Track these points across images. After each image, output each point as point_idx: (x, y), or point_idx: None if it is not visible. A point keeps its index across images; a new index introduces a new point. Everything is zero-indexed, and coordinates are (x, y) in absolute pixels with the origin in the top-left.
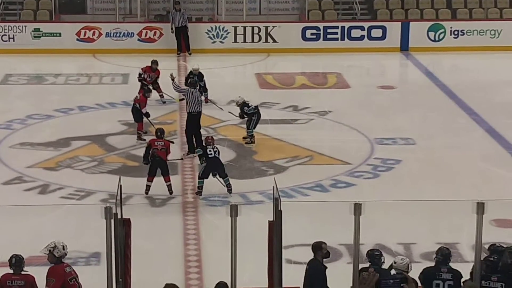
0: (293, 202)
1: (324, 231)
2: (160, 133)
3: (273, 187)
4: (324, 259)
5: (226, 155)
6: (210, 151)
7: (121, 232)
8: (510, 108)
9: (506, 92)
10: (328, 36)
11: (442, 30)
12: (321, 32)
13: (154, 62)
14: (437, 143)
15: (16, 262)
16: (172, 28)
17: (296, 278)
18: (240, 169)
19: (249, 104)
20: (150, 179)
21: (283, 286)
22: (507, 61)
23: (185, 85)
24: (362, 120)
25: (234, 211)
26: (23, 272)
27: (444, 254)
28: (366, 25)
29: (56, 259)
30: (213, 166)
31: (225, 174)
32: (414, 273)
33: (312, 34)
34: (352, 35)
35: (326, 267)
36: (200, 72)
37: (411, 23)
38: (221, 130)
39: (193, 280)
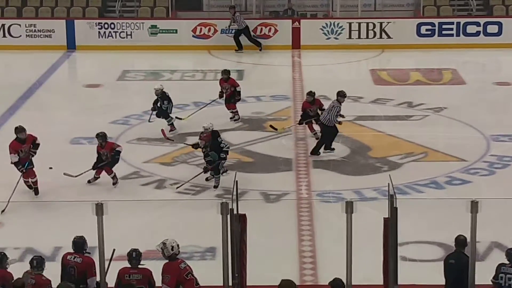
0: (408, 199)
1: (439, 228)
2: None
3: (388, 184)
4: None
5: (340, 151)
6: (222, 144)
7: (237, 228)
8: None
9: None
10: (443, 32)
11: None
12: (436, 28)
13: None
14: None
15: (136, 256)
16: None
17: (411, 275)
18: (355, 165)
19: (222, 141)
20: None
21: (399, 283)
22: None
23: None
24: (478, 117)
25: (349, 207)
26: (140, 266)
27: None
28: (481, 21)
29: (168, 257)
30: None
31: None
32: None
33: (427, 30)
34: (468, 31)
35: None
36: (163, 92)
37: None
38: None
39: (307, 276)
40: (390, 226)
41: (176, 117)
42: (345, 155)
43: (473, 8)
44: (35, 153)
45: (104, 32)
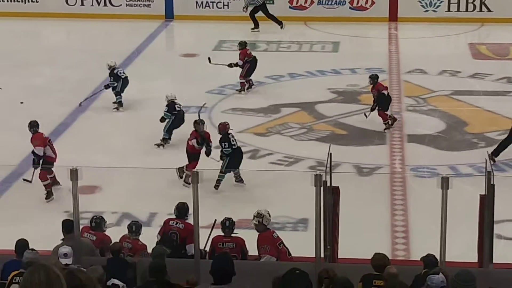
0: (506, 176)
1: None
2: None
3: (486, 160)
4: None
5: (436, 126)
6: (233, 141)
7: (330, 200)
8: None
9: None
10: None
11: None
12: None
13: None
14: None
15: (229, 225)
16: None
17: (506, 254)
18: (451, 140)
19: (231, 140)
20: None
21: (493, 261)
22: None
23: None
24: None
25: (445, 183)
26: (233, 235)
27: None
28: None
29: (264, 227)
30: (239, 157)
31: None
32: None
33: None
34: None
35: None
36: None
37: None
38: (432, 100)
39: (399, 251)
40: (487, 203)
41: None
42: (441, 130)
43: None
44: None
45: (202, 2)
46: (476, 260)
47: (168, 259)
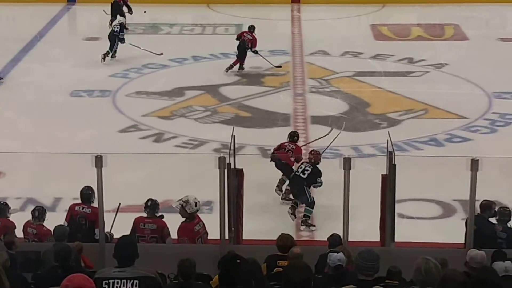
0: (406, 156)
1: (438, 186)
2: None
3: (387, 140)
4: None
5: (339, 107)
6: (301, 167)
7: (234, 182)
8: None
9: None
10: None
11: None
12: None
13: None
14: None
15: (151, 205)
16: None
17: (408, 233)
18: (353, 121)
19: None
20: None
21: (395, 240)
22: None
23: None
24: (480, 73)
25: (347, 164)
26: (157, 216)
27: None
28: None
29: (187, 215)
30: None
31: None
32: None
33: None
34: None
35: (495, 225)
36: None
37: None
38: (335, 81)
39: (304, 232)
40: (388, 183)
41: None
42: (343, 111)
43: None
44: None
45: None
46: (378, 239)
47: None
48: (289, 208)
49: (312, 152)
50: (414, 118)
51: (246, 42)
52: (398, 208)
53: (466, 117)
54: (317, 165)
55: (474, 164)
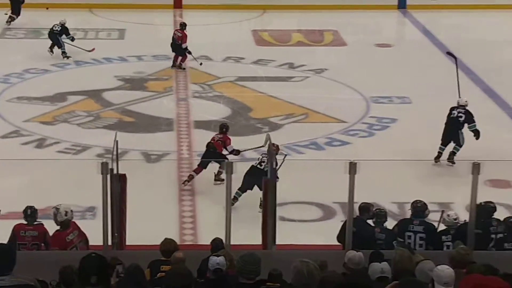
0: (287, 160)
1: (318, 189)
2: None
3: (268, 144)
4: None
5: (222, 112)
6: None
7: (116, 187)
8: (508, 67)
9: (504, 51)
10: None
11: None
12: None
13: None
14: (433, 102)
15: (31, 213)
16: None
17: (289, 235)
18: (236, 126)
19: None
20: (197, 170)
21: (277, 243)
22: (505, 19)
23: None
24: (358, 78)
25: (229, 168)
26: (36, 223)
27: (415, 208)
28: None
29: (60, 223)
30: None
31: None
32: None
33: None
34: None
35: (374, 227)
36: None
37: None
38: (217, 86)
39: (187, 236)
40: (270, 186)
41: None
42: (226, 115)
43: None
44: None
45: None
46: (260, 243)
47: None
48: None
49: (274, 145)
50: (295, 122)
51: (175, 39)
52: (280, 211)
53: (345, 121)
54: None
55: (352, 167)
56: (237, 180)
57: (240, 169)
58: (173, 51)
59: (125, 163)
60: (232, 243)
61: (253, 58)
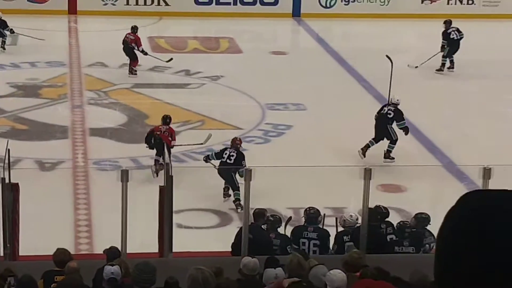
0: (184, 167)
1: (214, 196)
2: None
3: (164, 152)
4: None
5: (117, 119)
6: (226, 153)
7: (9, 197)
8: (398, 74)
9: (394, 59)
10: (221, 0)
11: None
12: None
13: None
14: (327, 109)
15: None
16: None
17: (186, 242)
18: (132, 133)
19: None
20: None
21: (173, 250)
22: (396, 28)
23: None
24: (254, 85)
25: (125, 176)
26: None
27: (308, 215)
28: None
29: None
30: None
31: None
32: None
33: None
34: (245, 0)
35: (269, 233)
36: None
37: None
38: (113, 93)
39: (83, 245)
40: (166, 194)
41: None
42: (122, 123)
43: None
44: None
45: None
46: (157, 250)
47: None
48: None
49: (235, 139)
50: (192, 129)
51: (128, 42)
52: (177, 219)
53: (241, 128)
54: (239, 149)
55: (248, 174)
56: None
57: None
58: (126, 55)
59: (18, 172)
60: (128, 251)
61: (149, 65)
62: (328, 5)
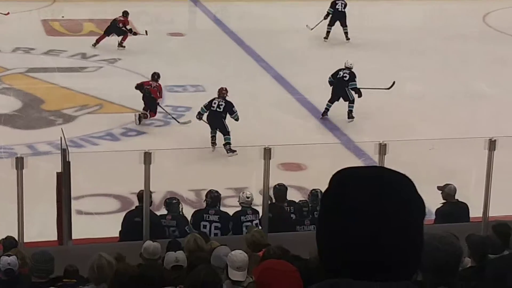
0: (82, 152)
1: (115, 181)
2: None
3: (61, 137)
4: None
5: (12, 105)
6: (215, 103)
7: None
8: (296, 55)
9: (292, 39)
10: None
11: None
12: None
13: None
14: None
15: None
16: None
17: (87, 229)
18: (27, 119)
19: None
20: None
21: (73, 237)
22: (294, 9)
23: None
24: (152, 68)
25: (20, 163)
26: None
27: (212, 197)
28: None
29: None
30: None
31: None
32: None
33: None
34: None
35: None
36: None
37: None
38: (6, 78)
39: None
40: (63, 180)
41: None
42: (17, 108)
43: None
44: None
45: None
46: (56, 238)
47: None
48: (211, 138)
49: (221, 89)
50: (90, 113)
51: (117, 22)
52: (76, 205)
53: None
54: (226, 98)
55: (147, 157)
56: None
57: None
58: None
59: None
60: (26, 240)
61: (44, 49)
62: None
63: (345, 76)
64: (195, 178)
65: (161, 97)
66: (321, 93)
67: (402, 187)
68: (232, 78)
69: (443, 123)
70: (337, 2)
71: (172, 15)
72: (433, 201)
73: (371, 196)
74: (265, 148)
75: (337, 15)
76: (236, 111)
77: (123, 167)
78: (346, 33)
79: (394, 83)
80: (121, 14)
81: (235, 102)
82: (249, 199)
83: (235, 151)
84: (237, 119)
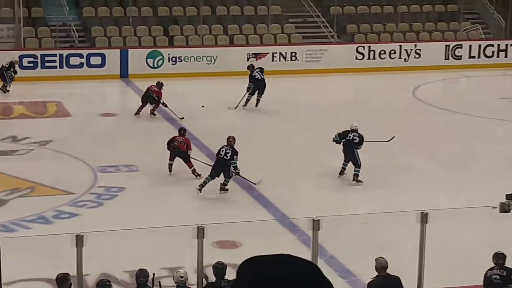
0: (12, 237)
1: (47, 264)
2: (183, 131)
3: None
4: None
5: None
6: (222, 150)
7: None
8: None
9: (221, 116)
10: (46, 64)
11: (160, 57)
12: (39, 60)
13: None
14: (159, 169)
15: None
16: None
17: None
18: None
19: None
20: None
21: None
22: (223, 86)
23: None
24: (84, 149)
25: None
26: None
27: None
28: (84, 52)
29: None
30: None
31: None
32: None
33: (29, 62)
34: (71, 63)
35: None
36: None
37: (129, 50)
38: None
39: None
40: None
41: None
42: None
43: (76, 40)
44: None
45: None
46: None
47: None
48: (199, 185)
49: (229, 138)
50: (21, 196)
51: (151, 92)
52: None
53: (73, 193)
54: (233, 147)
55: (79, 240)
56: None
57: None
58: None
59: None
60: None
61: None
62: (155, 65)
63: (355, 139)
64: (130, 259)
65: (190, 149)
66: (259, 169)
67: (308, 272)
68: (164, 157)
69: (375, 197)
70: (253, 74)
71: (104, 95)
72: (365, 275)
73: (278, 282)
74: (198, 227)
75: (257, 84)
76: (236, 160)
77: (56, 250)
78: (258, 100)
79: (393, 137)
80: (155, 84)
81: (167, 180)
82: (183, 279)
83: (227, 190)
84: (235, 167)
